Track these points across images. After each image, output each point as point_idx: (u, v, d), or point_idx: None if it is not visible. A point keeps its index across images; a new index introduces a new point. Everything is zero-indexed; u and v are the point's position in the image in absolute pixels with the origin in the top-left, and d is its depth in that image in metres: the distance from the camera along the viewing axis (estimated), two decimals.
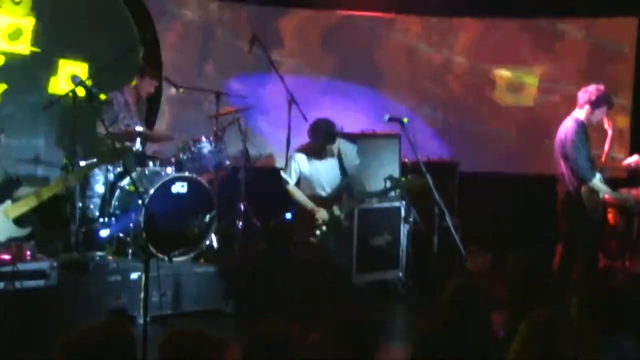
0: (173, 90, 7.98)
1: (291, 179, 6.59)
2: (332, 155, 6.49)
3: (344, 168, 6.53)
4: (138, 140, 7.14)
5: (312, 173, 6.56)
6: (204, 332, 2.86)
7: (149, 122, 7.98)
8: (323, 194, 6.58)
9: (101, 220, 6.97)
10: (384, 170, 7.51)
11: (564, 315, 3.41)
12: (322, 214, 6.47)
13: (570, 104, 6.83)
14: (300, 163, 6.59)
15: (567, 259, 6.53)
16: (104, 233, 6.90)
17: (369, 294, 7.46)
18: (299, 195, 6.59)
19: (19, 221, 5.53)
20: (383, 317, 6.92)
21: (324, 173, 6.56)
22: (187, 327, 2.93)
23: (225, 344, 2.85)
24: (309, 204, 6.51)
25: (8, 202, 5.46)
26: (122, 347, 2.76)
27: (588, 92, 6.61)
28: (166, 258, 6.10)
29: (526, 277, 4.04)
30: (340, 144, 6.51)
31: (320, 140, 6.40)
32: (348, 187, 6.53)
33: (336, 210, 6.53)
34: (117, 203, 6.90)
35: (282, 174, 6.70)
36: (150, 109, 7.97)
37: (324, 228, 6.48)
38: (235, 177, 7.63)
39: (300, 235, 6.55)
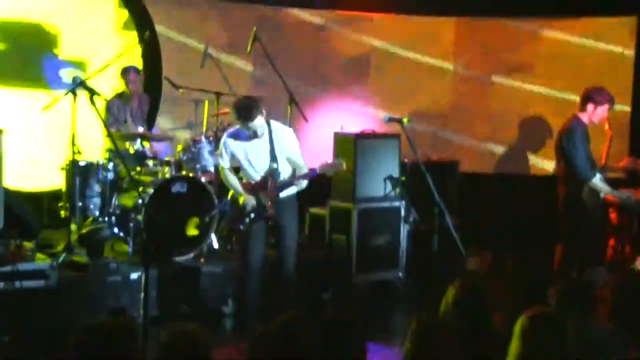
0: (173, 90, 7.97)
1: (224, 162, 6.14)
2: (258, 136, 5.99)
3: (274, 153, 6.05)
4: (138, 140, 7.16)
5: (241, 156, 6.09)
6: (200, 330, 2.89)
7: (149, 122, 7.98)
8: (252, 179, 6.13)
9: (101, 220, 6.97)
10: (384, 170, 7.52)
11: (562, 312, 3.42)
12: (249, 201, 6.07)
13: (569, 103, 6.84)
14: (230, 145, 6.10)
15: (568, 259, 6.53)
16: (103, 233, 6.92)
17: (369, 293, 7.47)
18: (231, 180, 6.17)
19: None
20: (383, 316, 6.91)
21: (254, 156, 6.08)
22: (184, 326, 2.94)
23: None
24: (239, 190, 6.12)
25: None
26: (126, 344, 2.78)
27: (588, 91, 6.61)
28: (166, 258, 6.11)
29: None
30: (274, 128, 6.07)
31: (237, 117, 5.91)
32: (275, 173, 6.06)
33: (262, 199, 6.07)
34: (116, 203, 6.90)
35: (217, 157, 6.31)
36: (150, 109, 7.98)
37: (252, 216, 6.07)
38: None
39: (231, 223, 6.27)
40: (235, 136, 6.08)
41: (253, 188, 6.08)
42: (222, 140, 6.16)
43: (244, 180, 6.16)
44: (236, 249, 6.48)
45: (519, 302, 4.09)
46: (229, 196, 6.23)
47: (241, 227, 6.11)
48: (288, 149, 6.09)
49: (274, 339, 2.93)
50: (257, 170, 6.08)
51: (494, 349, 3.25)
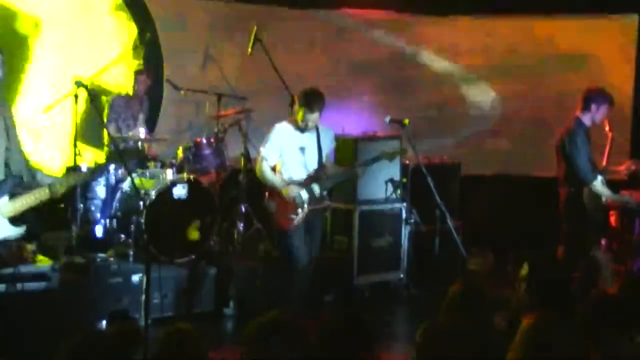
0: (174, 92, 7.97)
1: (270, 155, 6.07)
2: (308, 129, 6.07)
3: (320, 148, 6.17)
4: (139, 142, 7.16)
5: (291, 149, 6.09)
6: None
7: (151, 124, 7.99)
8: (299, 176, 6.12)
9: (102, 222, 6.99)
10: (385, 172, 7.51)
11: (565, 315, 3.41)
12: (298, 194, 6.03)
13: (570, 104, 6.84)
14: (282, 137, 6.10)
15: (569, 261, 6.52)
16: (104, 235, 6.94)
17: (371, 295, 7.46)
18: (272, 175, 6.08)
19: (14, 220, 5.36)
20: (384, 318, 6.91)
21: (305, 149, 6.12)
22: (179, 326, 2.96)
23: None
24: (281, 184, 6.04)
25: (5, 199, 5.34)
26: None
27: (589, 92, 6.60)
28: (167, 260, 6.10)
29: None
30: (319, 125, 6.16)
31: (304, 104, 5.94)
32: (323, 168, 6.20)
33: (316, 189, 6.14)
34: (118, 205, 6.91)
35: (262, 150, 6.12)
36: (151, 111, 7.99)
37: (305, 206, 6.06)
38: (236, 178, 7.63)
39: (280, 219, 6.07)
40: (287, 128, 6.13)
41: (303, 184, 6.11)
42: (271, 132, 6.14)
43: (284, 177, 6.13)
44: (282, 245, 6.25)
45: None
46: (267, 194, 6.18)
47: (294, 220, 6.04)
48: (330, 146, 6.32)
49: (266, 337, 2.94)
50: (306, 164, 6.15)
51: (495, 350, 3.25)
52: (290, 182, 6.10)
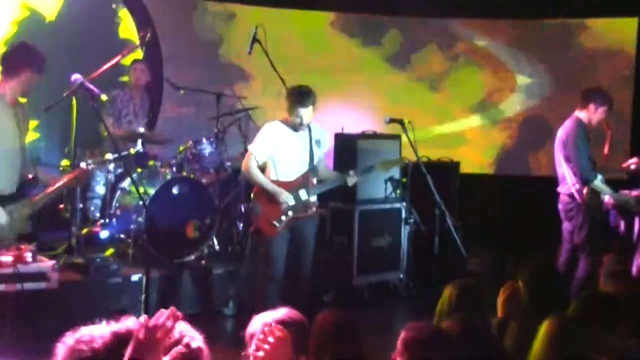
0: (174, 92, 7.97)
1: (260, 155, 5.88)
2: (302, 128, 5.89)
3: (312, 150, 5.97)
4: (139, 141, 7.16)
5: (283, 148, 5.90)
6: None
7: (150, 123, 7.99)
8: (288, 178, 5.93)
9: (102, 221, 6.99)
10: (385, 172, 7.51)
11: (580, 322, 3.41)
12: (285, 197, 5.82)
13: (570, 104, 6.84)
14: (274, 135, 5.92)
15: (569, 261, 6.53)
16: (104, 234, 6.93)
17: (370, 295, 7.47)
18: (260, 176, 5.89)
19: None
20: (384, 318, 6.91)
21: (297, 149, 5.94)
22: None
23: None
24: (271, 186, 5.85)
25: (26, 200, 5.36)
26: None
27: (588, 92, 6.61)
28: (167, 260, 6.09)
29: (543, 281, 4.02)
30: (312, 125, 5.98)
31: (294, 100, 5.79)
32: (314, 172, 6.00)
33: (302, 195, 5.94)
34: (117, 204, 6.91)
35: (252, 148, 5.95)
36: (151, 110, 7.99)
37: (290, 213, 5.86)
38: (236, 178, 7.63)
39: (263, 223, 5.88)
40: (279, 127, 5.96)
41: (291, 185, 5.93)
42: (263, 131, 5.96)
43: (274, 179, 5.94)
44: (262, 251, 6.06)
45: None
46: (252, 196, 6.03)
47: (277, 224, 5.84)
48: (324, 148, 6.12)
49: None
50: (297, 165, 5.97)
51: (490, 350, 3.24)
52: (279, 184, 5.90)
